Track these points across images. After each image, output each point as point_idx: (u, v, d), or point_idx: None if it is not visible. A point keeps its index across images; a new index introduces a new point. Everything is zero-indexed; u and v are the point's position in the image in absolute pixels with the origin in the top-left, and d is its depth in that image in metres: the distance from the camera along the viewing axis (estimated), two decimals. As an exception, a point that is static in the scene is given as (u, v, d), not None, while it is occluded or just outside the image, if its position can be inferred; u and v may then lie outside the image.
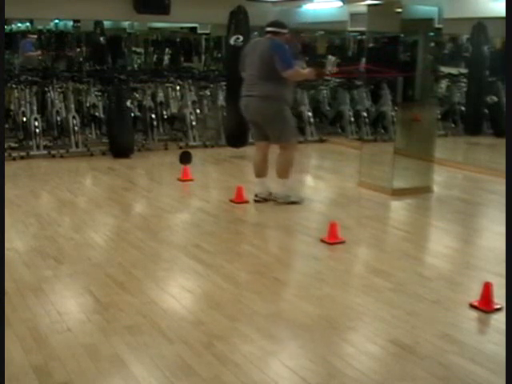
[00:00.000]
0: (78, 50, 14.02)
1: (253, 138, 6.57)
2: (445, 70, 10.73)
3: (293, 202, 6.14)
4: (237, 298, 4.00)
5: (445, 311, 3.86)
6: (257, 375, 3.06)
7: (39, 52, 12.80)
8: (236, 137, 8.50)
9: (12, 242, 4.92)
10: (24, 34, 13.67)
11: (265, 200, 6.21)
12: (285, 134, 6.06)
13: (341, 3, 10.74)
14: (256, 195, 6.23)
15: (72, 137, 8.61)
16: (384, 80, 9.87)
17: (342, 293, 4.14)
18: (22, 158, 8.26)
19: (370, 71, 8.67)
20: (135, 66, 14.08)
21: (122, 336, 3.41)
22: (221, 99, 9.54)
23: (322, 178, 8.10)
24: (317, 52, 13.88)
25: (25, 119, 8.67)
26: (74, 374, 3.02)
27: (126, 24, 14.16)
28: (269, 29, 6.08)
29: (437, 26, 7.40)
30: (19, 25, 16.56)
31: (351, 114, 10.24)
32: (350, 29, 11.70)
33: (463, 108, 10.69)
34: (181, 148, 8.72)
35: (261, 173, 6.26)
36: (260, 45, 6.08)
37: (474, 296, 3.93)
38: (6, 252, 4.54)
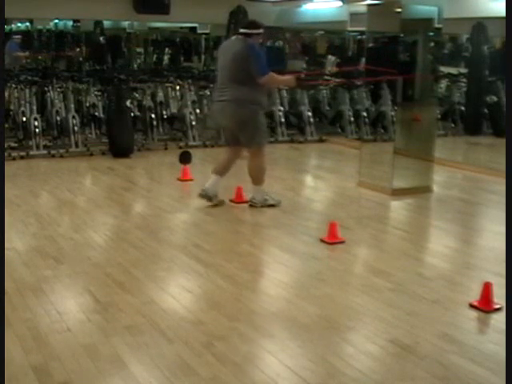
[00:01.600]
0: (78, 49, 14.01)
1: (225, 142, 6.37)
2: (445, 69, 10.73)
3: (270, 205, 6.05)
4: (236, 297, 4.00)
5: (444, 311, 3.86)
6: (256, 375, 3.06)
7: (27, 53, 12.80)
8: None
9: (12, 241, 4.92)
10: (7, 34, 13.61)
11: (209, 199, 6.01)
12: (257, 139, 5.90)
13: (341, 3, 10.76)
14: (203, 190, 6.04)
15: (72, 136, 8.61)
16: (384, 80, 9.87)
17: (341, 293, 4.14)
18: (21, 157, 8.27)
19: (370, 73, 8.67)
20: (135, 65, 14.08)
21: (121, 336, 3.41)
22: (220, 99, 9.52)
23: (321, 178, 8.09)
24: (317, 52, 13.90)
25: (24, 119, 8.66)
26: (73, 374, 3.02)
27: (125, 24, 14.16)
28: (242, 30, 5.88)
29: (436, 25, 7.40)
30: (19, 25, 16.54)
31: (351, 113, 10.24)
32: (349, 29, 11.73)
33: (463, 108, 10.69)
34: (180, 148, 8.72)
35: (220, 170, 6.06)
36: (232, 47, 5.84)
37: (474, 296, 3.94)
38: (6, 252, 4.54)
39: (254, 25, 5.92)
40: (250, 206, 6.09)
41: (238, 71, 5.71)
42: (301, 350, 3.34)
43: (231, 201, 6.26)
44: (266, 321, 3.65)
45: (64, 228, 5.44)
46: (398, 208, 6.68)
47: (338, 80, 10.65)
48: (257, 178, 6.04)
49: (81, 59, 13.55)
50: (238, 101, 5.75)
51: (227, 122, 6.03)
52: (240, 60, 5.69)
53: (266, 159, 6.14)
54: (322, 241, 5.09)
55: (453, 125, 10.82)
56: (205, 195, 6.03)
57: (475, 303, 3.87)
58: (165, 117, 9.54)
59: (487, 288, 3.85)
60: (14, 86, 9.06)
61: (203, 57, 14.73)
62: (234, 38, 6.05)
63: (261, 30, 5.89)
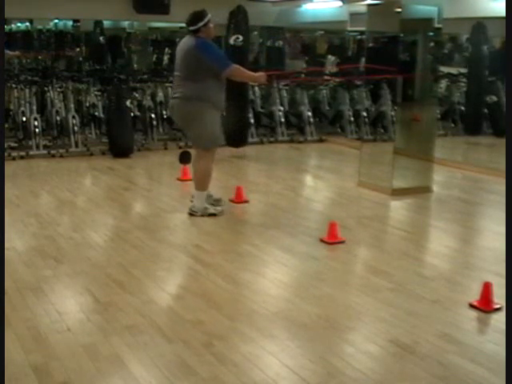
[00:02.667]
0: (78, 49, 14.00)
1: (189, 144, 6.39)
2: (444, 69, 10.73)
3: (211, 214, 5.76)
4: (236, 297, 4.00)
5: (444, 311, 3.86)
6: (256, 375, 3.06)
7: (17, 52, 12.78)
8: (236, 137, 8.51)
9: (12, 241, 4.92)
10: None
11: (218, 202, 6.01)
12: (203, 139, 5.68)
13: (341, 3, 10.75)
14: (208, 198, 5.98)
15: (72, 136, 8.61)
16: (383, 79, 9.87)
17: (341, 293, 4.14)
18: (21, 157, 8.27)
19: (370, 72, 8.67)
20: (135, 65, 14.07)
21: (121, 336, 3.41)
22: (220, 99, 9.52)
23: (321, 178, 8.09)
24: (317, 52, 13.90)
25: (24, 119, 8.67)
26: (73, 374, 3.02)
27: (125, 24, 14.15)
28: (190, 28, 5.60)
29: (436, 25, 7.40)
30: (19, 25, 16.54)
31: (351, 113, 10.26)
32: (349, 29, 11.73)
33: (463, 108, 10.70)
34: (180, 148, 8.72)
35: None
36: (184, 45, 5.66)
37: (474, 296, 3.94)
38: (6, 252, 4.54)
39: (196, 17, 5.57)
40: (190, 214, 5.81)
41: (187, 69, 5.57)
42: (301, 349, 3.34)
43: (231, 201, 6.26)
44: (266, 321, 3.65)
45: (64, 228, 5.44)
46: (398, 208, 6.68)
47: (325, 78, 10.66)
48: (200, 182, 5.76)
49: (81, 59, 13.55)
50: (187, 98, 5.57)
51: (178, 121, 5.97)
52: (189, 58, 5.55)
53: (215, 163, 5.88)
54: (322, 241, 5.09)
55: (453, 125, 10.83)
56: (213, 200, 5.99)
57: (475, 303, 3.87)
58: (165, 117, 9.53)
59: (487, 288, 3.85)
60: (13, 85, 9.06)
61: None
62: (188, 36, 5.77)
63: (206, 19, 5.55)
